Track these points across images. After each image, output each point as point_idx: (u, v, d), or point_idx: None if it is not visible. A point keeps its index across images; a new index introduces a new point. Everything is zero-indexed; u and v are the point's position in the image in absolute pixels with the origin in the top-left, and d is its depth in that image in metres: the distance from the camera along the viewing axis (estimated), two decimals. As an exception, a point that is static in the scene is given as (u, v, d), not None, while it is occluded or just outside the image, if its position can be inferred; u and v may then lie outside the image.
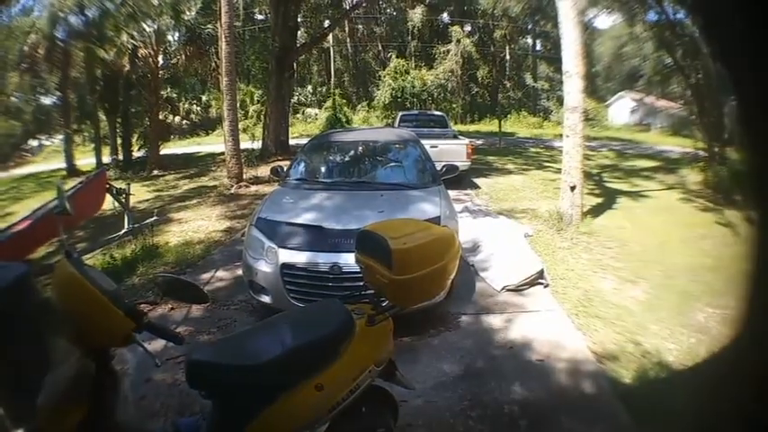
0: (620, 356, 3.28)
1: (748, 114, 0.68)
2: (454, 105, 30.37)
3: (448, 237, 2.08)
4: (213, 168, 14.01)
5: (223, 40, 10.69)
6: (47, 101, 17.76)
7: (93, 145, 17.53)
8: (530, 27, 32.95)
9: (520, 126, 28.48)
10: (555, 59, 24.57)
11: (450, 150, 9.47)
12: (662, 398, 2.82)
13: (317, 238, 3.63)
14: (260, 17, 25.39)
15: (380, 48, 33.65)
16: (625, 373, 3.10)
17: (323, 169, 5.24)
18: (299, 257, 3.55)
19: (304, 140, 7.00)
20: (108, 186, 6.10)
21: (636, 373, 3.10)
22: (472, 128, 26.94)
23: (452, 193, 5.60)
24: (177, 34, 18.04)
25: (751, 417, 0.73)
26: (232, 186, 10.57)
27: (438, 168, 4.90)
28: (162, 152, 15.95)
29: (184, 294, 1.92)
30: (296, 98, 27.68)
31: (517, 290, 4.46)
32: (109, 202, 6.20)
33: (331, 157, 5.45)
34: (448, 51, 30.24)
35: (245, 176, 11.20)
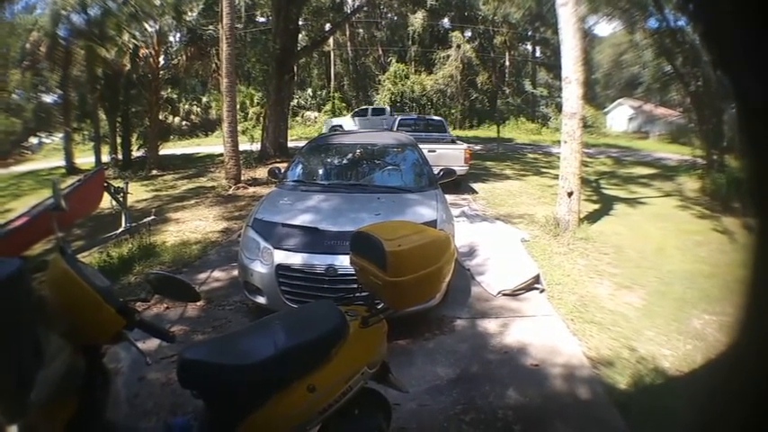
0: (616, 362, 3.27)
1: (750, 121, 0.68)
2: (453, 110, 30.51)
3: (443, 240, 2.08)
4: (212, 169, 14.02)
5: (224, 41, 10.70)
6: (48, 99, 17.88)
7: (92, 144, 17.55)
8: (530, 34, 33.17)
9: (518, 132, 28.59)
10: (554, 66, 24.71)
11: (447, 155, 9.49)
12: (657, 404, 2.82)
13: (314, 239, 3.61)
14: (261, 19, 25.39)
15: (381, 52, 33.76)
16: (620, 378, 3.09)
17: (320, 171, 5.23)
18: (295, 259, 3.52)
19: (302, 143, 7.00)
20: (106, 185, 6.08)
21: (631, 379, 3.09)
22: (471, 133, 27.01)
23: (450, 198, 5.60)
24: (179, 35, 18.14)
25: (747, 425, 0.72)
26: (230, 187, 10.59)
27: (435, 172, 4.90)
28: (161, 152, 16.00)
29: (176, 292, 1.90)
30: (295, 101, 27.75)
31: (513, 295, 4.45)
32: (107, 201, 6.18)
33: (329, 160, 5.43)
34: (448, 57, 30.34)
35: (243, 178, 11.24)
